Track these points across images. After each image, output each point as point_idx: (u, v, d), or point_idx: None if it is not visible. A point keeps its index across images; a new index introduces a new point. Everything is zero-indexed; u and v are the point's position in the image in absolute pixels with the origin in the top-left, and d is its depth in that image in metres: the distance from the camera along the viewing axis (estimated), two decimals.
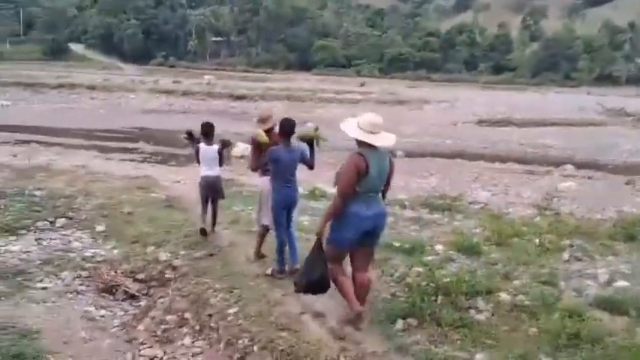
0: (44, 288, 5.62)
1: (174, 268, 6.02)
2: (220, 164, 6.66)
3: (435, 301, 4.97)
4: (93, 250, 6.60)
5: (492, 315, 4.89)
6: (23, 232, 6.85)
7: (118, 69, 73.31)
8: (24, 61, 72.33)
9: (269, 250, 5.94)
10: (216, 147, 6.56)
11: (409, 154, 21.87)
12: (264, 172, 5.74)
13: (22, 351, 4.33)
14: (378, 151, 4.40)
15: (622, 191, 14.96)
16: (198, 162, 6.60)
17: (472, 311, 4.92)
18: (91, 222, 7.39)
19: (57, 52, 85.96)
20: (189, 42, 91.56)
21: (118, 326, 5.23)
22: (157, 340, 4.98)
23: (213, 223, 6.79)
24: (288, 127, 5.40)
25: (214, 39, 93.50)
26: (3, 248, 6.32)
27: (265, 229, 5.92)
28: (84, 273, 6.13)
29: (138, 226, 7.15)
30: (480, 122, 32.59)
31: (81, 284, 5.88)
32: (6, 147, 19.08)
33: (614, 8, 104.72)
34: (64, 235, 6.96)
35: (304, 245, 6.27)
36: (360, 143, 4.42)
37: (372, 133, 4.36)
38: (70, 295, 5.60)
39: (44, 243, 6.62)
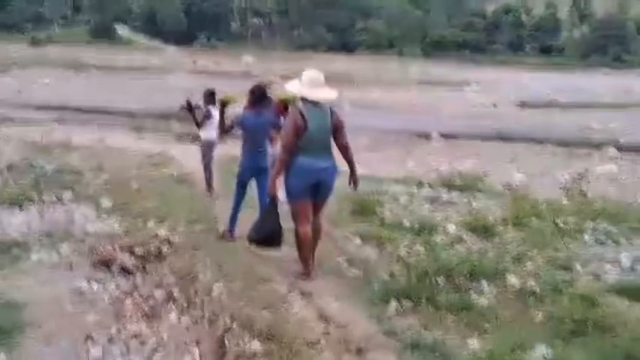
0: (39, 261, 5.54)
1: (170, 244, 5.86)
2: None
3: (435, 282, 4.65)
4: (95, 224, 6.51)
5: (496, 299, 4.54)
6: (28, 204, 6.82)
7: (160, 50, 74.15)
8: (71, 43, 73.91)
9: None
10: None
11: (446, 136, 21.33)
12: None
13: (0, 324, 4.23)
14: (319, 106, 4.52)
15: None
16: (199, 126, 6.77)
17: (474, 295, 4.59)
18: (98, 197, 7.32)
19: (103, 34, 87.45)
20: (231, 23, 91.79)
21: (107, 301, 5.09)
22: (144, 315, 4.83)
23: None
24: (258, 92, 5.50)
25: (255, 20, 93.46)
26: (5, 220, 6.29)
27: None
28: (83, 246, 6.02)
29: (144, 202, 7.04)
30: (523, 104, 31.59)
31: (78, 258, 5.77)
32: (40, 124, 19.48)
33: None
34: (69, 208, 6.91)
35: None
36: (302, 99, 4.60)
37: (311, 88, 4.51)
38: (64, 269, 5.49)
39: (46, 216, 6.57)
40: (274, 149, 5.97)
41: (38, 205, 6.90)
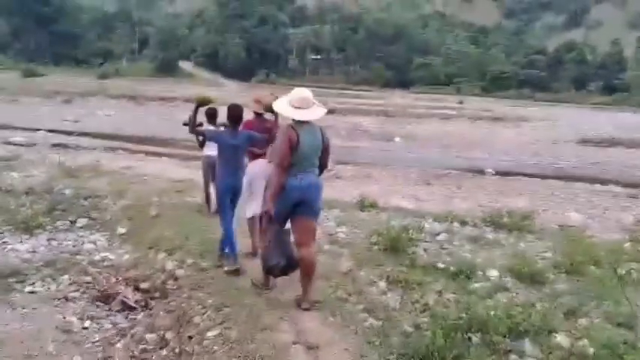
0: (32, 292, 5.13)
1: (175, 279, 5.33)
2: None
3: (467, 339, 3.90)
4: (103, 254, 6.09)
5: None
6: (39, 230, 6.47)
7: (220, 84, 75.72)
8: (137, 76, 76.54)
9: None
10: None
11: (500, 173, 20.25)
12: (255, 156, 5.63)
13: None
14: (310, 125, 4.42)
15: None
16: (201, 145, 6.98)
17: (514, 357, 3.81)
18: (114, 223, 6.93)
19: (167, 69, 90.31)
20: (290, 59, 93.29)
21: (96, 342, 4.58)
22: None
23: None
24: (234, 113, 5.38)
25: (314, 57, 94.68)
26: (9, 246, 5.94)
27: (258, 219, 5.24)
28: (86, 278, 5.58)
29: (159, 230, 6.57)
30: (584, 141, 29.97)
31: (76, 290, 5.33)
32: (93, 152, 19.72)
33: None
34: (80, 236, 6.54)
35: (332, 262, 5.43)
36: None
37: (300, 108, 4.40)
38: (57, 302, 5.05)
39: (55, 243, 6.21)
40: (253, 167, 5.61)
41: (49, 231, 6.54)
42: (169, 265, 5.60)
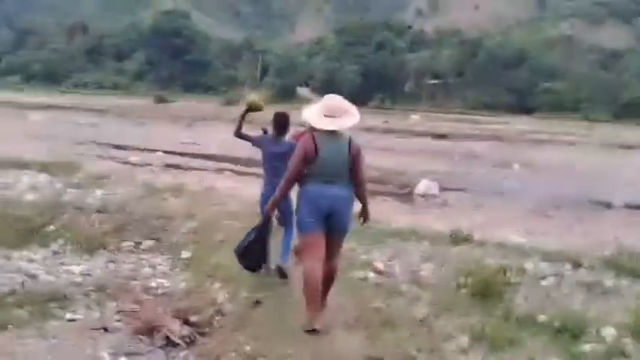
0: (71, 320, 4.72)
1: (222, 314, 4.71)
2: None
3: None
4: (159, 280, 5.64)
5: None
6: (101, 251, 6.17)
7: None
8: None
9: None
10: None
11: (631, 207, 17.98)
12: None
13: None
14: (335, 134, 4.18)
15: None
16: None
17: None
18: (179, 247, 6.49)
19: (285, 95, 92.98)
20: (406, 84, 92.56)
21: None
22: None
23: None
24: (280, 120, 5.36)
25: (431, 81, 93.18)
26: (65, 268, 5.66)
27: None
28: (135, 306, 5.11)
29: (222, 256, 6.02)
30: None
31: (119, 320, 4.85)
32: (201, 173, 20.12)
33: None
34: (141, 258, 6.15)
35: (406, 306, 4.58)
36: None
37: (328, 116, 4.17)
38: (96, 333, 4.58)
39: (112, 266, 5.85)
40: None
41: (112, 252, 6.23)
42: (220, 297, 5.01)
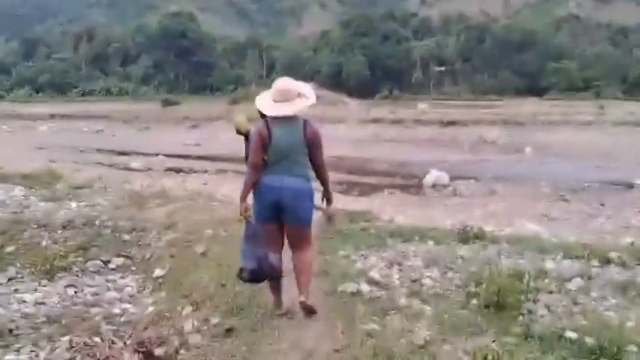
0: None
1: (187, 348, 3.98)
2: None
3: None
4: (124, 306, 4.92)
5: None
6: (62, 273, 5.46)
7: (342, 103, 75.47)
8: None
9: None
10: None
11: None
12: None
13: None
14: (288, 119, 4.03)
15: None
16: None
17: None
18: (153, 264, 5.76)
19: None
20: (413, 73, 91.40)
21: None
22: None
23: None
24: None
25: (438, 69, 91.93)
26: (18, 296, 4.95)
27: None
28: (94, 339, 4.39)
29: (199, 273, 5.28)
30: None
31: (71, 358, 4.13)
32: (202, 176, 19.51)
33: None
34: (108, 280, 5.44)
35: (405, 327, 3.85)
36: None
37: (276, 102, 4.04)
38: None
39: (71, 291, 5.14)
40: None
41: (75, 274, 5.51)
42: (188, 325, 4.27)
